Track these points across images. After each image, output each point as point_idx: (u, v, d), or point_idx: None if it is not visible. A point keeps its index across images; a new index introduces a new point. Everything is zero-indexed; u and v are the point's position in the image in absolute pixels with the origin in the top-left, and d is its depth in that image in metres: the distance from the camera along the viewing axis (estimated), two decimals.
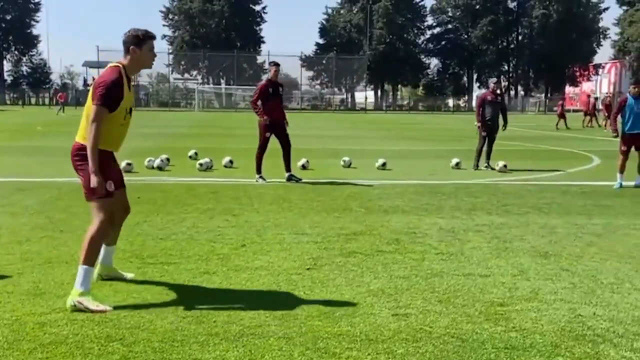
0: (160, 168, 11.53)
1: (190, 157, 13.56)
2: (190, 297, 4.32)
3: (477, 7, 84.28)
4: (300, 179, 10.39)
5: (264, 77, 10.11)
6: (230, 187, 9.55)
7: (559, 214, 7.77)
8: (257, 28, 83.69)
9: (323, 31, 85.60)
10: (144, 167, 11.66)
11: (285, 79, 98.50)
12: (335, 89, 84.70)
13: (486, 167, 12.90)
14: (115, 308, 4.03)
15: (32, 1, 79.33)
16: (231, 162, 12.46)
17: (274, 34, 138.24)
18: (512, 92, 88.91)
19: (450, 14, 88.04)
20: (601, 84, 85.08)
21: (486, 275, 5.04)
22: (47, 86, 78.72)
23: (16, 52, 79.89)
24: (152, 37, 4.43)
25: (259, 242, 6.00)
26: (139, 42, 4.35)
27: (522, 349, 3.55)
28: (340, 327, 3.82)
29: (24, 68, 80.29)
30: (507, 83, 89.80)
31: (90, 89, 4.29)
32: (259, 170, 10.42)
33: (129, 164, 11.12)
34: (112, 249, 4.69)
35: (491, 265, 5.35)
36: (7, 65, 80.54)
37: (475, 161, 12.97)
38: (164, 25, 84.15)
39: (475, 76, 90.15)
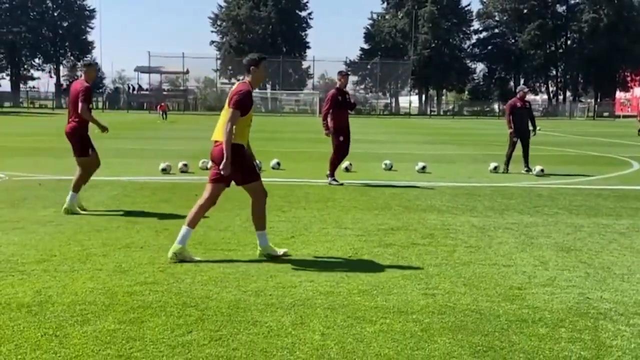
0: None
1: None
2: (248, 276, 5.05)
3: (525, 11, 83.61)
4: (342, 184, 10.93)
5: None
6: (278, 187, 10.30)
7: (587, 215, 8.26)
8: (303, 34, 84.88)
9: (368, 36, 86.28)
10: (198, 168, 12.53)
11: (331, 84, 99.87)
12: (380, 94, 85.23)
13: (526, 171, 13.36)
14: (188, 284, 4.80)
15: (88, 8, 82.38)
16: (278, 164, 13.24)
17: (320, 40, 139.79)
18: (561, 98, 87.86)
19: (497, 18, 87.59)
20: None
21: (509, 265, 5.63)
22: (101, 90, 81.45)
23: (72, 58, 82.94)
24: (265, 58, 5.90)
25: (306, 234, 6.72)
26: (257, 63, 5.74)
27: (532, 321, 4.16)
28: (376, 301, 4.49)
29: (79, 73, 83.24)
30: (555, 88, 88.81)
31: (227, 98, 5.70)
32: (332, 174, 10.95)
33: (185, 165, 12.03)
34: (264, 233, 5.75)
35: (515, 257, 5.93)
36: (63, 71, 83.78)
37: (505, 165, 13.44)
38: (212, 31, 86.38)
39: (522, 81, 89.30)
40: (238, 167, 5.58)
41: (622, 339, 3.88)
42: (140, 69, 77.18)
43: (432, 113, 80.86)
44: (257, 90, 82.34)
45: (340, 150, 10.92)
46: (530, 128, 13.76)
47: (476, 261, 5.74)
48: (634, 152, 20.17)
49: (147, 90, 76.23)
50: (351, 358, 3.52)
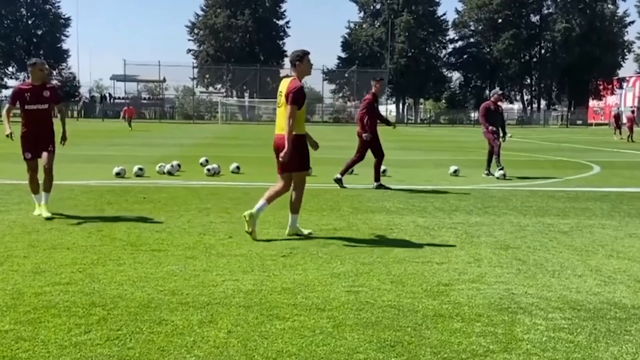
0: (170, 173, 12.22)
1: (201, 164, 14.22)
2: (170, 276, 4.91)
3: (500, 21, 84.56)
4: (390, 188, 10.78)
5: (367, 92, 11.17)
6: (232, 190, 10.17)
7: (535, 215, 8.24)
8: (280, 42, 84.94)
9: (345, 45, 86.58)
10: (155, 172, 12.36)
11: (309, 93, 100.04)
12: (357, 102, 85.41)
13: (486, 174, 13.38)
14: (103, 284, 4.65)
15: (63, 16, 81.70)
16: (238, 168, 13.10)
17: (297, 48, 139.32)
18: (535, 106, 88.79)
19: (472, 27, 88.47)
20: (626, 98, 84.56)
21: (442, 262, 5.56)
22: (77, 99, 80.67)
23: (47, 66, 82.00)
24: (308, 53, 6.49)
25: (245, 235, 6.58)
26: (301, 58, 6.40)
27: (449, 316, 4.08)
28: (296, 299, 4.38)
29: (54, 82, 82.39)
30: (529, 96, 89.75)
31: (282, 96, 6.35)
32: (377, 178, 10.96)
33: (140, 169, 11.85)
34: (295, 217, 6.60)
35: (451, 255, 5.86)
36: None
37: (488, 165, 13.48)
38: (189, 40, 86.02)
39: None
40: (298, 154, 6.37)
41: (535, 332, 3.81)
42: (116, 78, 76.63)
43: (410, 121, 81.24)
44: (234, 98, 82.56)
45: (381, 153, 11.06)
46: (501, 134, 13.77)
47: (410, 259, 5.65)
48: (599, 157, 20.36)
49: (122, 98, 75.52)
50: (251, 355, 3.40)
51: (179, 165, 13.01)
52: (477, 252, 5.98)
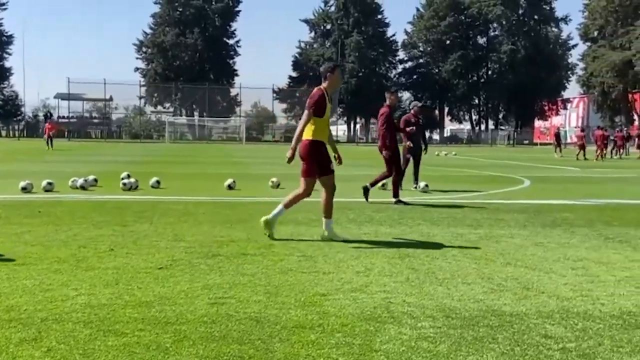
0: (83, 187, 11.65)
1: (122, 179, 13.67)
2: (17, 291, 4.44)
3: (448, 42, 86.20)
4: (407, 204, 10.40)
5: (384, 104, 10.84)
6: (140, 203, 9.69)
7: (448, 226, 8.02)
8: (231, 61, 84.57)
9: (296, 64, 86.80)
10: (67, 187, 11.76)
11: (262, 112, 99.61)
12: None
13: (415, 187, 13.21)
14: None
15: (5, 34, 79.57)
16: (158, 182, 12.60)
17: (248, 67, 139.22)
18: (483, 126, 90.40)
19: (421, 48, 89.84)
20: (570, 118, 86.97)
21: (330, 272, 5.23)
22: (19, 118, 78.46)
23: None
24: (339, 65, 7.17)
25: (130, 247, 6.14)
26: (332, 70, 6.83)
27: (309, 327, 3.73)
28: (148, 313, 3.96)
29: None
30: (477, 116, 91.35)
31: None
32: (397, 194, 10.57)
33: (49, 183, 11.26)
34: (329, 221, 6.81)
35: (343, 265, 5.54)
36: None
37: (415, 178, 13.32)
38: (137, 58, 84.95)
39: (446, 110, 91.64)
40: (315, 160, 6.65)
41: (396, 343, 3.49)
42: (60, 96, 74.89)
43: (361, 141, 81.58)
44: (184, 117, 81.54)
45: (400, 168, 10.81)
46: (423, 146, 13.64)
47: (298, 269, 5.31)
48: (534, 172, 20.55)
49: (67, 117, 73.77)
50: None
51: (95, 180, 12.45)
52: (372, 262, 5.68)
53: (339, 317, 3.97)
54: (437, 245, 6.59)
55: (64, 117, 74.97)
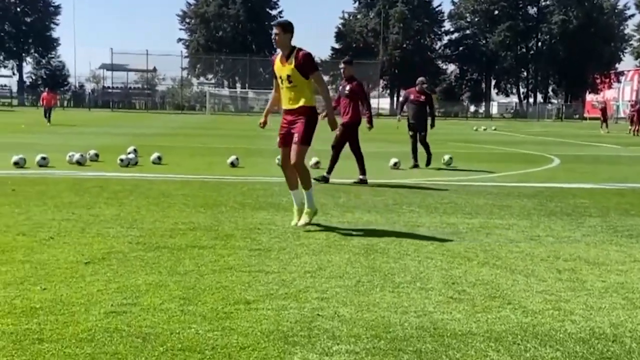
0: (79, 163, 11.28)
1: (128, 153, 13.28)
2: None
3: (496, 12, 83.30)
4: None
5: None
6: (122, 182, 9.22)
7: (442, 213, 7.27)
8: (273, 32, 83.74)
9: (339, 36, 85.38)
10: (65, 163, 11.42)
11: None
12: None
13: (427, 167, 12.48)
14: None
15: (52, 4, 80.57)
16: (159, 158, 12.15)
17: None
18: (531, 99, 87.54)
19: (468, 19, 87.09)
20: (624, 92, 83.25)
21: (275, 272, 4.61)
22: (65, 88, 79.72)
23: (36, 55, 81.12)
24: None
25: (74, 235, 5.63)
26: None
27: (199, 350, 3.12)
28: (19, 326, 3.42)
29: (43, 70, 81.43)
30: (525, 89, 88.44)
31: None
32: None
33: (43, 158, 10.93)
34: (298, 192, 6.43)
35: (295, 262, 4.90)
36: (27, 68, 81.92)
37: (413, 161, 12.58)
38: (180, 29, 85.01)
39: (493, 82, 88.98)
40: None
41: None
42: (105, 67, 75.55)
43: (404, 113, 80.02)
44: (226, 88, 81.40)
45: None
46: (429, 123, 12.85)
47: (240, 267, 4.69)
48: (569, 150, 19.40)
49: (110, 88, 74.57)
50: None
51: (96, 155, 12.09)
52: (329, 259, 5.02)
53: (245, 335, 3.34)
54: (416, 238, 5.87)
55: (108, 88, 75.77)
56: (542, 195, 8.96)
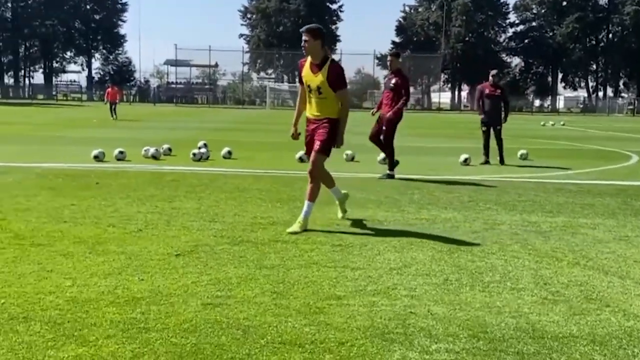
0: (154, 157, 11.58)
1: (199, 148, 13.55)
2: (10, 279, 4.17)
3: (564, 3, 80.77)
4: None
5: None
6: (199, 177, 9.40)
7: (522, 212, 7.11)
8: (333, 27, 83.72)
9: (400, 29, 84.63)
10: (140, 157, 11.74)
11: (365, 78, 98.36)
12: (412, 89, 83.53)
13: (500, 163, 12.23)
14: None
15: (120, 1, 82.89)
16: (230, 153, 12.35)
17: (349, 33, 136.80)
18: (600, 93, 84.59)
19: (534, 10, 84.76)
20: None
21: (361, 268, 4.62)
22: (132, 84, 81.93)
23: (104, 51, 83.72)
24: None
25: (161, 228, 5.79)
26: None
27: (298, 344, 3.16)
28: (127, 314, 3.55)
29: (110, 66, 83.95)
30: (595, 83, 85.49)
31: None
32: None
33: (121, 152, 11.26)
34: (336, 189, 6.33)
35: (379, 258, 4.90)
36: (95, 64, 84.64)
37: (484, 157, 12.36)
38: (241, 25, 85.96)
39: (560, 76, 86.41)
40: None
41: None
42: (169, 62, 77.24)
43: (466, 108, 78.80)
44: (286, 83, 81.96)
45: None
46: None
47: (324, 262, 4.72)
48: None
49: (173, 83, 76.20)
50: None
51: (169, 149, 12.39)
52: (413, 256, 5.00)
53: (341, 331, 3.37)
54: (499, 237, 5.78)
55: (172, 83, 77.45)
56: (625, 193, 8.65)
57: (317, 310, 3.68)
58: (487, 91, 12.37)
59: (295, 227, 5.80)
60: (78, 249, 4.94)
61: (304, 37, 5.77)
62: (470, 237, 5.76)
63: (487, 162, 12.28)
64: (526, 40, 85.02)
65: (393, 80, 9.87)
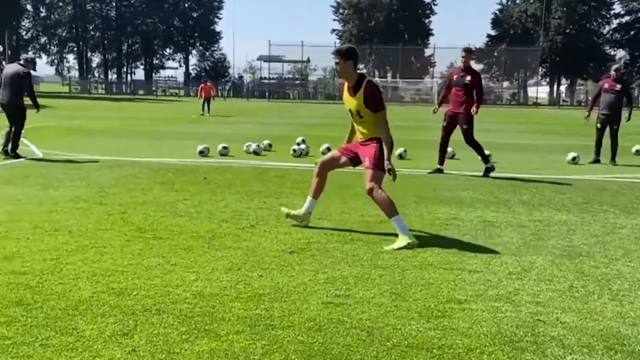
0: (256, 153, 11.81)
1: (298, 144, 13.71)
2: (138, 271, 4.35)
3: None
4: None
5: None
6: (303, 173, 9.49)
7: (623, 214, 6.74)
8: (426, 20, 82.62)
9: (496, 22, 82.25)
10: (242, 152, 12.01)
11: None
12: (507, 83, 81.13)
13: (611, 162, 11.64)
14: (57, 277, 4.20)
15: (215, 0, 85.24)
16: (329, 149, 12.38)
17: (442, 26, 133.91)
18: None
19: None
20: None
21: (478, 271, 4.51)
22: (226, 79, 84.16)
23: (200, 48, 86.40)
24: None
25: (272, 224, 5.90)
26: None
27: (426, 348, 3.12)
28: (252, 310, 3.62)
29: (206, 63, 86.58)
30: None
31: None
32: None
33: (224, 148, 11.57)
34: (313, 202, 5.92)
35: (495, 262, 4.77)
36: (192, 60, 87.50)
37: (595, 155, 11.80)
38: (334, 20, 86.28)
39: None
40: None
41: None
42: (262, 58, 78.74)
43: (564, 103, 75.65)
44: (378, 78, 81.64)
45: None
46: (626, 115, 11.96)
47: (439, 264, 4.66)
48: None
49: (266, 79, 77.64)
50: None
51: (269, 145, 12.60)
52: (532, 260, 4.83)
53: (468, 336, 3.29)
54: (622, 242, 5.49)
55: (265, 78, 78.93)
56: None
57: (439, 314, 3.62)
58: (606, 85, 11.76)
59: (397, 243, 5.18)
60: (197, 243, 5.11)
61: (335, 60, 5.53)
62: (590, 241, 5.51)
63: (597, 160, 11.72)
64: (632, 32, 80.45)
65: (468, 78, 9.61)
